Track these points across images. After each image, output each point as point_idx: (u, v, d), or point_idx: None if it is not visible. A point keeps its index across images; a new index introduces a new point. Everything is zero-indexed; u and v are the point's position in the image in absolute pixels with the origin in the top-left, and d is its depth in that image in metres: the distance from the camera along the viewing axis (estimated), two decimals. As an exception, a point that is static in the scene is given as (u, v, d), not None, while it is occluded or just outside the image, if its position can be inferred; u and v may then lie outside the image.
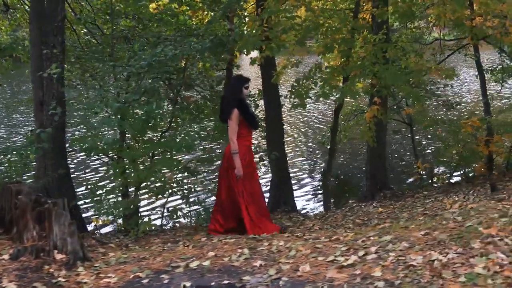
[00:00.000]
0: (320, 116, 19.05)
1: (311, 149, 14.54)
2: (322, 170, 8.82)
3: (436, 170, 10.58)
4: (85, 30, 10.39)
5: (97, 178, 10.65)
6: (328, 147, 8.86)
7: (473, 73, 12.18)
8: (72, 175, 9.84)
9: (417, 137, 12.76)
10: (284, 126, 9.49)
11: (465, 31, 7.29)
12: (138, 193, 7.13)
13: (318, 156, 13.55)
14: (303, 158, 13.49)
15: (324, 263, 3.65)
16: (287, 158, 9.46)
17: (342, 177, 12.41)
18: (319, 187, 10.58)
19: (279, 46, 6.62)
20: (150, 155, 6.80)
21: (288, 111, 11.74)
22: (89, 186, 7.34)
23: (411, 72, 7.47)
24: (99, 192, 6.94)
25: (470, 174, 9.98)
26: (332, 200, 10.30)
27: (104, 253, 4.38)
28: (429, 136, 12.87)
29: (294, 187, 9.77)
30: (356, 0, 7.32)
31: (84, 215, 8.57)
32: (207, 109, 7.30)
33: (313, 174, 11.71)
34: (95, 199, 6.76)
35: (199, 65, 7.86)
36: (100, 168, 11.43)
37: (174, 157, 6.29)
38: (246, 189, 5.84)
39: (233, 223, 5.92)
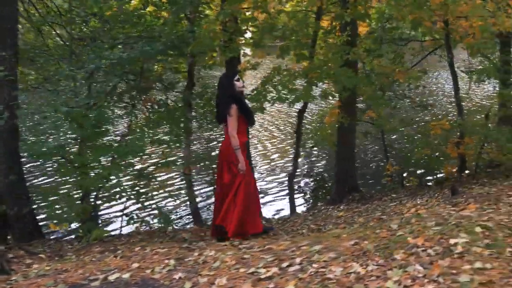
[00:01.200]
0: (287, 118, 18.68)
1: (278, 152, 14.31)
2: (288, 173, 8.67)
3: (407, 173, 10.47)
4: (54, 32, 10.24)
5: (54, 184, 10.50)
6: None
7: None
8: (35, 180, 9.71)
9: (394, 136, 12.65)
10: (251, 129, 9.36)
11: (425, 33, 7.18)
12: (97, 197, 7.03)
13: (286, 159, 13.32)
14: (269, 161, 13.25)
15: (244, 276, 3.53)
16: (253, 161, 9.33)
17: (318, 178, 12.29)
18: (285, 191, 10.43)
19: (235, 48, 6.50)
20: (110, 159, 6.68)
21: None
22: (43, 192, 7.18)
23: (376, 74, 7.35)
24: (53, 198, 6.79)
25: (440, 176, 9.89)
26: (309, 202, 10.23)
27: (28, 265, 4.25)
28: (404, 138, 12.74)
29: (260, 190, 9.63)
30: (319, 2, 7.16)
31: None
32: (168, 113, 7.13)
33: (280, 177, 11.53)
34: (47, 204, 6.62)
35: (157, 68, 7.71)
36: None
37: (129, 161, 6.14)
38: (242, 184, 5.68)
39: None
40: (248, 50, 7.92)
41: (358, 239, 3.97)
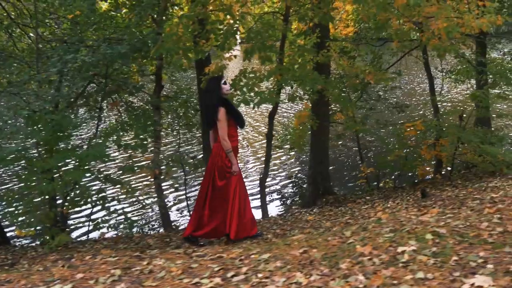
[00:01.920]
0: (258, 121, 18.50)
1: (251, 155, 14.14)
2: (260, 176, 8.57)
3: (383, 174, 10.41)
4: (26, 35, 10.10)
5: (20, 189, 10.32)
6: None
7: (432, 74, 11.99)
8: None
9: (372, 138, 12.59)
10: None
11: (390, 34, 7.12)
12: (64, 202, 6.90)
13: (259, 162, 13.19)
14: (243, 164, 13.08)
15: (186, 286, 3.44)
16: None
17: (296, 181, 12.20)
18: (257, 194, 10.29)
19: (200, 51, 6.40)
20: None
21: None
22: (6, 197, 7.02)
23: (346, 76, 7.27)
24: (16, 203, 6.64)
25: (416, 178, 9.84)
26: (285, 205, 10.14)
27: (-28, 275, 4.12)
28: (380, 140, 12.67)
29: None
30: (286, 4, 7.07)
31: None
32: (135, 117, 7.02)
33: (255, 180, 11.39)
34: (10, 210, 6.48)
35: (126, 70, 7.59)
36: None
37: (87, 167, 6.02)
38: (237, 188, 5.69)
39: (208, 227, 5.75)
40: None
41: (308, 247, 3.89)
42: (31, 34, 9.67)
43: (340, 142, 12.37)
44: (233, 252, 4.21)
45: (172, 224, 8.30)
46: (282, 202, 10.59)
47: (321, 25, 8.14)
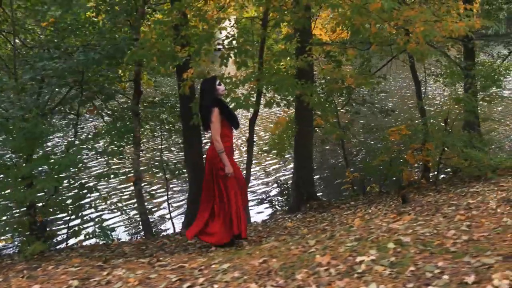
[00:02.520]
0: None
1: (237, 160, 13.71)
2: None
3: (370, 179, 10.32)
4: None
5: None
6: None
7: (420, 78, 11.91)
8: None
9: (358, 142, 12.49)
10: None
11: (367, 38, 7.05)
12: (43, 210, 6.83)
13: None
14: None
15: (139, 298, 3.37)
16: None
17: (284, 186, 12.12)
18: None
19: (175, 57, 6.34)
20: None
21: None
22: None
23: (326, 80, 7.20)
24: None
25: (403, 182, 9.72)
26: (271, 211, 10.07)
27: None
28: (365, 144, 12.57)
29: None
30: (264, 8, 7.01)
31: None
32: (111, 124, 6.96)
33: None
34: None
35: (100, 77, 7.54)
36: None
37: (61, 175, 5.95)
38: (235, 189, 5.72)
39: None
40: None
41: (268, 257, 3.81)
42: (17, 41, 9.61)
43: (327, 147, 12.28)
44: (197, 261, 4.14)
45: (153, 230, 8.23)
46: (268, 207, 10.52)
47: (302, 29, 8.09)
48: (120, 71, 7.65)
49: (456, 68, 10.83)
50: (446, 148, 8.74)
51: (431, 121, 10.04)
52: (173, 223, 8.50)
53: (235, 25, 6.96)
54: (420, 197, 7.64)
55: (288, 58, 7.12)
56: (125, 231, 8.45)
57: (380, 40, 6.48)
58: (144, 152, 10.82)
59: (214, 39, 6.62)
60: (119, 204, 8.75)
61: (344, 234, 4.42)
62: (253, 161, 12.34)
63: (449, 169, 9.96)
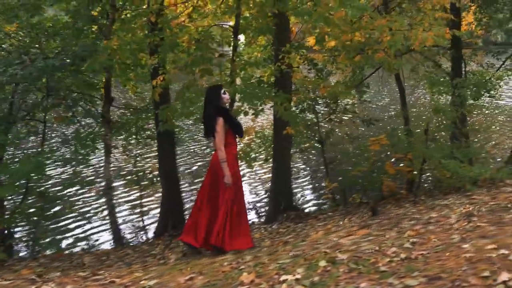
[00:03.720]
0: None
1: (205, 170, 13.37)
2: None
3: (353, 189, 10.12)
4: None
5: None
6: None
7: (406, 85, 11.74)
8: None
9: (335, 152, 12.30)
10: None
11: (333, 47, 6.95)
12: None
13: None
14: (198, 179, 12.66)
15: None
16: (180, 178, 9.03)
17: (266, 195, 11.98)
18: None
19: (142, 65, 6.27)
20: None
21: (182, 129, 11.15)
22: None
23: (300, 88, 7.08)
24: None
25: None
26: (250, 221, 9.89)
27: None
28: (348, 154, 12.33)
29: (188, 210, 9.30)
30: (236, 14, 6.90)
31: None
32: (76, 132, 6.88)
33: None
34: None
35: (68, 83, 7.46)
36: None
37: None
38: (231, 198, 5.66)
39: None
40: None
41: (197, 274, 3.69)
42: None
43: (310, 156, 12.11)
44: (130, 277, 4.02)
45: (126, 238, 8.14)
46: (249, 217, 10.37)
47: (279, 37, 7.99)
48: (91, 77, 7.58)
49: (441, 76, 10.67)
50: (425, 159, 8.55)
51: (417, 130, 9.90)
52: (146, 232, 8.41)
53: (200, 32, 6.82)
54: (392, 209, 7.47)
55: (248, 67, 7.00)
56: (96, 240, 8.35)
57: (349, 49, 6.34)
58: (119, 159, 10.76)
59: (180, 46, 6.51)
60: (90, 213, 8.63)
61: (287, 250, 4.30)
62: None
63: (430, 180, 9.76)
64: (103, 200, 8.60)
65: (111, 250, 6.95)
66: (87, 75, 7.07)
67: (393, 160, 9.07)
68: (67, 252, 7.01)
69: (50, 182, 8.60)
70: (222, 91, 5.66)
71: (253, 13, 6.12)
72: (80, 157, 6.45)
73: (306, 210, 10.07)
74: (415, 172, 9.47)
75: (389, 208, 7.79)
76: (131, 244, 8.04)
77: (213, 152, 5.85)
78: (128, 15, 6.92)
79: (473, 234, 4.23)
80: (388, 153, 10.47)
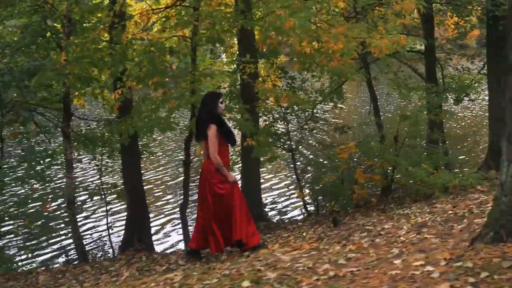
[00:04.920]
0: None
1: (172, 182, 13.36)
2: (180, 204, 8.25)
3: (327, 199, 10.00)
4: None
5: None
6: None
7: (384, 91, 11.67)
8: None
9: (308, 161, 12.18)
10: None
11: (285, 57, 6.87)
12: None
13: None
14: (164, 192, 12.59)
15: None
16: (146, 191, 8.91)
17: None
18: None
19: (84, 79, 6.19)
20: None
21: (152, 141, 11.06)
22: None
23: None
24: None
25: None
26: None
27: None
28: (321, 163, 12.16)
29: (154, 223, 9.21)
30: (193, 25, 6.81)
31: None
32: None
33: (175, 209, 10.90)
34: None
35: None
36: None
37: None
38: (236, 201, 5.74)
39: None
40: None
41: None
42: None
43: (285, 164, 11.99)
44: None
45: (89, 255, 8.02)
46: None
47: (244, 47, 7.93)
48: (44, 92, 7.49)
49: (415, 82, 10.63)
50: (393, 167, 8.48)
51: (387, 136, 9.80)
52: (112, 246, 8.30)
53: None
54: (358, 219, 7.37)
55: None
56: (59, 256, 8.24)
57: (305, 59, 6.28)
58: (84, 173, 10.68)
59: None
60: (54, 229, 8.52)
61: (223, 268, 4.19)
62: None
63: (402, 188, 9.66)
64: (66, 215, 8.50)
65: (69, 268, 6.83)
66: (46, 90, 7.01)
67: (362, 167, 8.96)
68: (25, 269, 6.88)
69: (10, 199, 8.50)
70: (220, 100, 5.70)
71: (205, 25, 6.04)
72: (32, 172, 6.35)
73: (278, 220, 9.96)
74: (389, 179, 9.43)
75: (355, 218, 7.69)
76: (98, 259, 7.92)
77: (203, 161, 5.91)
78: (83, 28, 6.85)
79: (414, 248, 4.14)
80: (361, 159, 10.36)
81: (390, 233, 5.09)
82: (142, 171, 8.11)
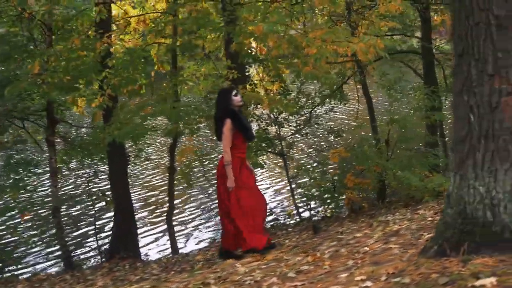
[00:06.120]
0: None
1: (160, 190, 12.99)
2: (167, 212, 8.21)
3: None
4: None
5: None
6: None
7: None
8: None
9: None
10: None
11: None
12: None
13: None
14: (152, 199, 12.40)
15: None
16: (133, 199, 8.89)
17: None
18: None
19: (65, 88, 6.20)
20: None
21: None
22: None
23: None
24: None
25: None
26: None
27: None
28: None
29: (141, 229, 9.17)
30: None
31: None
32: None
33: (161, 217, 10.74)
34: None
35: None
36: None
37: None
38: (236, 201, 5.60)
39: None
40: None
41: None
42: None
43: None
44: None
45: (75, 263, 8.03)
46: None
47: (230, 52, 7.86)
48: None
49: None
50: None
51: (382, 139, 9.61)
52: (100, 253, 8.30)
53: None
54: (341, 226, 7.23)
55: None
56: (47, 264, 8.26)
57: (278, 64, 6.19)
58: (72, 180, 10.70)
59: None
60: (41, 237, 8.55)
61: (176, 280, 4.13)
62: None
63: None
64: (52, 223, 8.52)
65: (49, 276, 6.85)
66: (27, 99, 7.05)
67: (352, 172, 8.81)
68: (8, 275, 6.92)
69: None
70: (234, 92, 5.63)
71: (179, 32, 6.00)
72: (10, 182, 6.38)
73: (274, 225, 9.87)
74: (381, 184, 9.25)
75: (342, 224, 7.56)
76: (83, 267, 7.92)
77: (220, 156, 5.86)
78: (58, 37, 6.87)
79: (370, 260, 4.01)
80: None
81: (358, 243, 4.96)
82: (130, 178, 8.07)
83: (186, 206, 11.51)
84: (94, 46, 6.13)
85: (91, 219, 8.82)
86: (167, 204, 8.33)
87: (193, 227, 10.39)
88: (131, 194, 8.57)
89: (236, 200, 5.56)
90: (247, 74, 8.55)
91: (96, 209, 8.62)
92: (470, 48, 3.19)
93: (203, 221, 10.61)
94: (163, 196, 11.49)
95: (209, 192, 11.37)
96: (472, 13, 3.19)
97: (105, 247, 8.41)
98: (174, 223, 9.09)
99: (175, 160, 7.61)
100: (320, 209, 9.57)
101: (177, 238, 8.47)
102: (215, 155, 11.34)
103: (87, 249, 8.79)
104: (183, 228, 10.04)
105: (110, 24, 7.73)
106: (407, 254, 4.03)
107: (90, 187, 8.84)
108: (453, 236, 3.24)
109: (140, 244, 9.10)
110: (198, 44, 6.40)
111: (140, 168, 14.59)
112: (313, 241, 5.86)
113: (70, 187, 10.71)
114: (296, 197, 8.96)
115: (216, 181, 5.84)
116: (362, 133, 12.62)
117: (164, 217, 8.51)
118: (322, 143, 12.22)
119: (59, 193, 7.80)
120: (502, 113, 3.12)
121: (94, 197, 8.45)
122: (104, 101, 6.73)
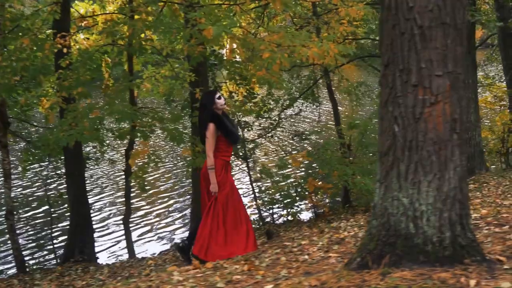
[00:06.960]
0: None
1: (117, 192, 12.96)
2: (123, 215, 8.09)
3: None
4: None
5: None
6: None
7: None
8: None
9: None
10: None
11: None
12: None
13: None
14: (110, 202, 12.25)
15: None
16: (90, 201, 8.75)
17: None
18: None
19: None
20: None
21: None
22: None
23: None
24: None
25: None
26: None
27: None
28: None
29: (101, 233, 9.04)
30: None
31: None
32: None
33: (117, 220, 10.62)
34: None
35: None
36: None
37: None
38: (215, 205, 5.50)
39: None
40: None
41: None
42: None
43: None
44: None
45: (29, 266, 7.88)
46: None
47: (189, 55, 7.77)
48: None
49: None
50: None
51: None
52: (55, 255, 8.15)
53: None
54: (297, 231, 7.18)
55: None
56: (5, 267, 8.09)
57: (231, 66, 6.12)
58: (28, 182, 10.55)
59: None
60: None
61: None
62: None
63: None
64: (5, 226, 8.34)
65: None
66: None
67: (313, 176, 8.79)
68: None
69: None
70: (217, 95, 5.55)
71: (128, 33, 5.89)
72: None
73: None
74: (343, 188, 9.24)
75: (301, 229, 7.49)
76: (36, 271, 7.77)
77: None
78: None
79: (304, 269, 3.94)
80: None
81: (301, 251, 4.90)
82: (87, 181, 7.93)
83: (151, 209, 11.39)
84: (43, 46, 6.00)
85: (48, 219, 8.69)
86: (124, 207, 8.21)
87: (156, 230, 10.28)
88: (89, 198, 8.41)
89: (216, 204, 5.45)
90: (209, 77, 8.46)
91: (51, 210, 8.46)
92: (395, 58, 3.15)
93: (164, 224, 10.51)
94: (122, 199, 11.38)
95: (173, 194, 11.27)
96: (399, 23, 3.14)
97: (60, 250, 8.28)
98: (137, 226, 8.98)
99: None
100: (283, 212, 9.50)
101: (139, 241, 8.37)
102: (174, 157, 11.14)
103: (45, 252, 8.62)
104: (145, 231, 9.93)
105: (69, 24, 7.61)
106: (342, 264, 3.99)
107: (46, 188, 8.66)
108: (376, 248, 3.19)
109: (101, 248, 8.98)
110: (149, 47, 6.27)
111: (104, 170, 14.42)
112: (261, 249, 5.78)
113: (34, 189, 10.57)
114: (259, 201, 8.84)
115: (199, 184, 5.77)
116: (332, 137, 12.61)
117: (120, 221, 8.39)
118: (288, 147, 12.18)
119: (12, 195, 7.60)
120: (425, 123, 3.09)
121: (51, 201, 8.29)
122: (58, 102, 6.60)
